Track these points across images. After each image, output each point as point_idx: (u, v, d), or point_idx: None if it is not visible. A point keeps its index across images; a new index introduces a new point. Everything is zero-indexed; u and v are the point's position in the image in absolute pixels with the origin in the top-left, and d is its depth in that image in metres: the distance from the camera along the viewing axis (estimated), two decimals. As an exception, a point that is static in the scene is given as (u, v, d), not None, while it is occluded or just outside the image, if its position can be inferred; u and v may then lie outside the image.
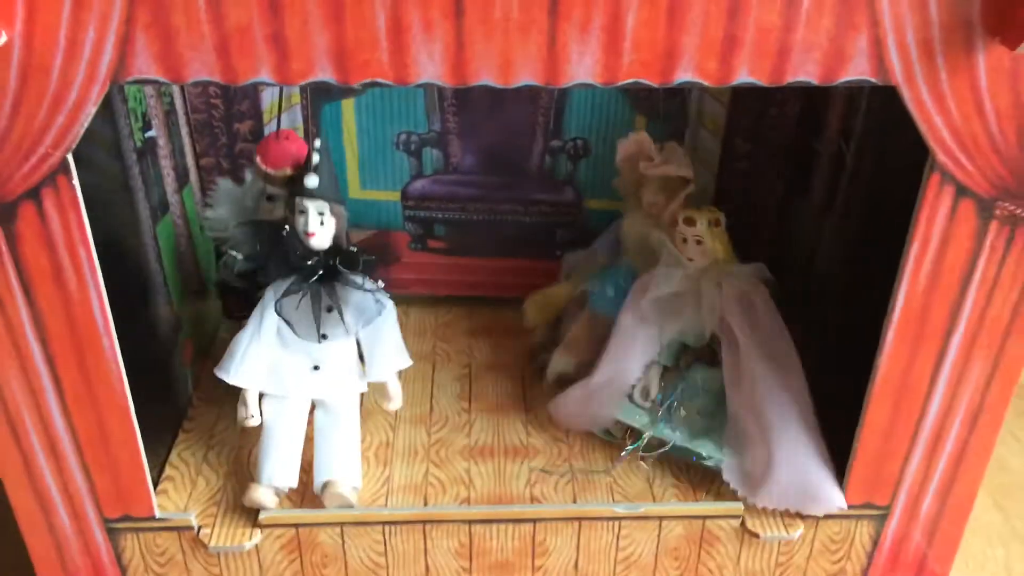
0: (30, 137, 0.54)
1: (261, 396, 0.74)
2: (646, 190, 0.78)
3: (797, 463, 0.71)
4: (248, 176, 0.83)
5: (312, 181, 0.67)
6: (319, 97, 0.88)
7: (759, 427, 0.72)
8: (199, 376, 0.86)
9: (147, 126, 0.76)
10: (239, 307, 0.77)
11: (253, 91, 0.87)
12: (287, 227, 0.70)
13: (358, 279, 0.71)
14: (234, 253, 0.78)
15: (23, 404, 0.64)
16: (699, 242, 0.73)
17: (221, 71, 0.53)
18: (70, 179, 0.56)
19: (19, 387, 0.63)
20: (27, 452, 0.66)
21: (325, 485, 0.71)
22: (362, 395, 0.77)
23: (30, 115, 0.54)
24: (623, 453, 0.77)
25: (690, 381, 0.76)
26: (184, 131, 0.86)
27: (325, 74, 0.54)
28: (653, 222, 0.78)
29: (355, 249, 0.71)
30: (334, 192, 0.69)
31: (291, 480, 0.73)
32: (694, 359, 0.77)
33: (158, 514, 0.70)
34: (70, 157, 0.55)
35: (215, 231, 0.81)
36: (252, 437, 0.79)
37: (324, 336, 0.71)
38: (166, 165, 0.80)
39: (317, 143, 0.68)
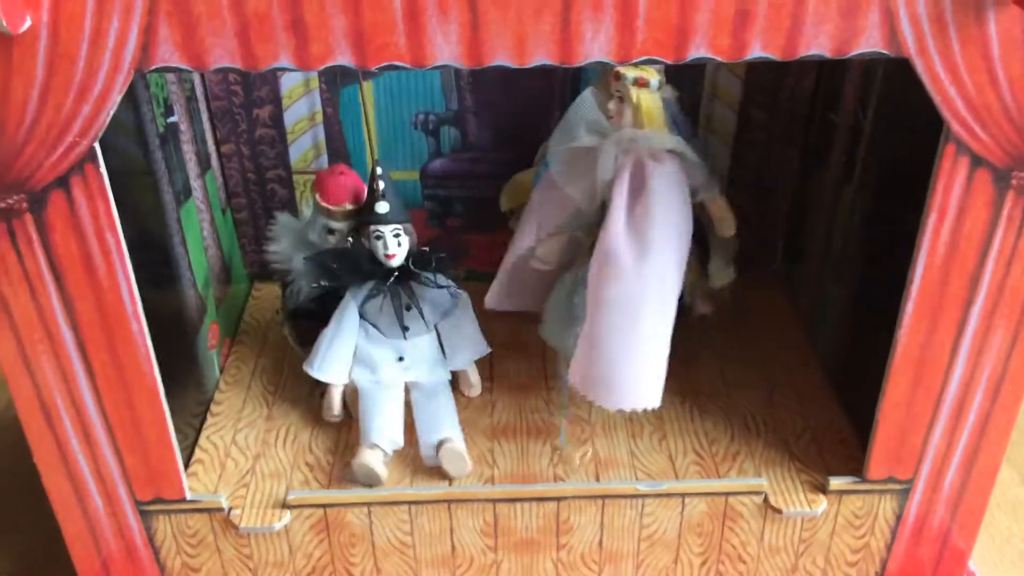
0: (57, 126, 0.56)
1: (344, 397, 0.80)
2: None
3: (607, 350, 0.65)
4: (306, 210, 0.85)
5: (383, 207, 0.74)
6: (340, 80, 0.89)
7: (590, 310, 0.67)
8: (225, 359, 0.87)
9: (169, 111, 0.77)
10: (312, 332, 0.81)
11: (272, 77, 0.88)
12: (350, 239, 0.77)
13: (432, 276, 0.76)
14: (302, 284, 0.81)
15: (56, 390, 0.66)
16: (621, 99, 0.68)
17: (242, 57, 0.54)
18: (97, 167, 0.57)
19: (52, 373, 0.65)
20: (60, 437, 0.68)
21: (440, 444, 0.74)
22: None
23: (57, 104, 0.55)
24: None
25: (585, 272, 0.69)
26: (205, 117, 0.88)
27: (344, 58, 0.55)
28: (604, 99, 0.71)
29: (427, 249, 0.77)
30: (404, 213, 0.75)
31: (398, 438, 0.76)
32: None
33: (189, 496, 0.71)
34: (97, 145, 0.57)
35: (279, 263, 0.84)
36: (280, 419, 0.81)
37: (406, 329, 0.77)
38: (188, 150, 0.82)
39: (379, 170, 0.74)
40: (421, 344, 0.79)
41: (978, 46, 0.54)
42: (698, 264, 0.76)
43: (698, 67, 0.89)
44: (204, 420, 0.81)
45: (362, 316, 0.77)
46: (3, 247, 0.60)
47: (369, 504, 0.73)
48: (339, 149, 0.93)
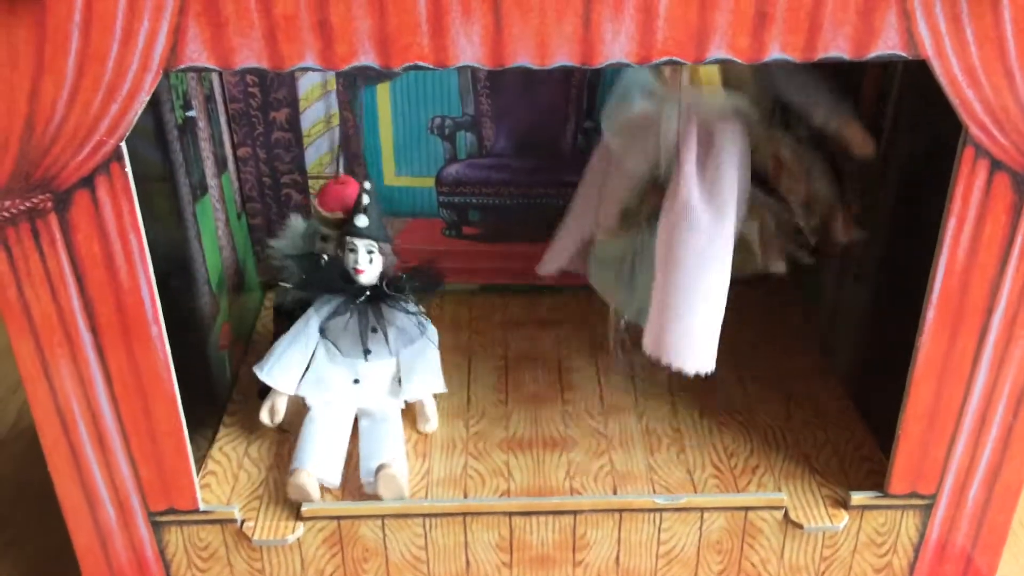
0: (85, 126, 0.57)
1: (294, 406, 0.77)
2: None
3: (685, 309, 0.66)
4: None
5: (362, 221, 0.73)
6: (357, 83, 0.90)
7: (662, 272, 0.67)
8: (238, 373, 0.87)
9: (187, 105, 0.78)
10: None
11: (290, 79, 0.89)
12: (325, 256, 0.76)
13: (403, 302, 0.75)
14: (283, 284, 0.81)
15: (72, 395, 0.65)
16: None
17: (268, 58, 0.55)
18: (123, 166, 0.58)
19: (69, 377, 0.65)
20: (75, 444, 0.67)
21: (379, 468, 0.72)
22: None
23: (86, 103, 0.56)
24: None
25: (646, 237, 0.69)
26: (223, 120, 0.89)
27: (368, 58, 0.55)
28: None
29: (402, 276, 0.76)
30: (382, 232, 0.74)
31: (333, 474, 0.74)
32: (658, 203, 0.68)
33: (202, 507, 0.70)
34: (123, 145, 0.57)
35: (275, 260, 0.84)
36: (293, 431, 0.80)
37: (368, 352, 0.76)
38: (205, 148, 0.83)
39: (367, 185, 0.73)
40: (379, 370, 0.78)
41: (995, 47, 0.55)
42: (775, 218, 0.73)
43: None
44: (217, 431, 0.80)
45: (323, 333, 0.76)
46: (27, 247, 0.60)
47: (383, 516, 0.72)
48: (356, 152, 0.93)
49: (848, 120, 0.71)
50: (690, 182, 0.65)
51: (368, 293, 0.75)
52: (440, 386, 0.79)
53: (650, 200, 0.70)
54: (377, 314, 0.76)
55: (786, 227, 0.73)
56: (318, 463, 0.73)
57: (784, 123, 0.71)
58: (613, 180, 0.73)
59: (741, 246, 0.68)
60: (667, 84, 0.69)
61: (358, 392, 0.78)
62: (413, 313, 0.76)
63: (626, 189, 0.73)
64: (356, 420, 0.78)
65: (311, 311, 0.77)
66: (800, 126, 0.71)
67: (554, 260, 0.80)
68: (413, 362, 0.78)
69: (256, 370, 0.76)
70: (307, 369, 0.77)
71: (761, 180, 0.69)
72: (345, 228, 0.75)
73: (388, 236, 0.75)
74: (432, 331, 0.79)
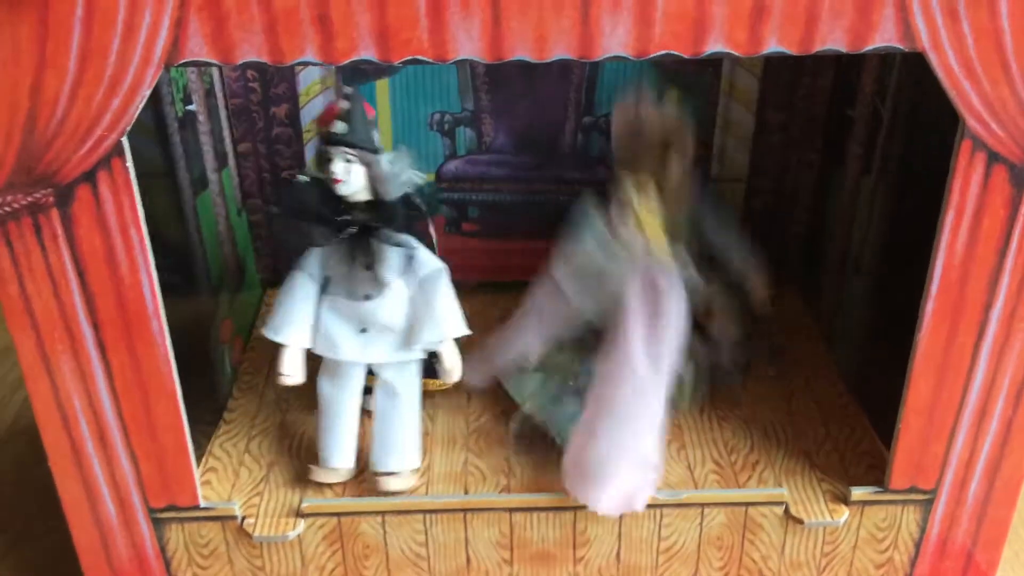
0: (87, 120, 0.57)
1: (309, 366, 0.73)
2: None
3: (606, 445, 0.70)
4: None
5: (340, 126, 0.66)
6: (355, 77, 0.90)
7: (593, 408, 0.72)
8: (238, 362, 0.87)
9: (187, 98, 0.78)
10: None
11: (290, 73, 0.89)
12: (302, 177, 0.69)
13: (397, 235, 0.69)
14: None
15: (74, 391, 0.65)
16: (623, 206, 0.71)
17: (269, 52, 0.55)
18: (124, 161, 0.58)
19: (71, 373, 0.65)
20: (76, 440, 0.67)
21: (385, 476, 0.72)
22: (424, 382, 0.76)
23: (88, 98, 0.56)
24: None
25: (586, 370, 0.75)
26: (223, 115, 0.89)
27: (368, 52, 0.56)
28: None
29: (393, 202, 0.68)
30: (364, 138, 0.67)
31: (348, 463, 0.74)
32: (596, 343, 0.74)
33: (203, 503, 0.71)
34: (124, 139, 0.58)
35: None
36: (294, 427, 0.80)
37: (368, 297, 0.70)
38: (206, 142, 0.83)
39: (348, 90, 0.67)
40: (386, 314, 0.70)
41: (992, 40, 0.55)
42: (706, 359, 0.80)
43: (715, 67, 0.90)
44: (217, 428, 0.80)
45: (307, 271, 0.70)
46: (29, 243, 0.60)
47: (384, 513, 0.72)
48: None
49: (757, 269, 0.78)
50: (634, 340, 0.70)
51: (356, 226, 0.68)
52: (457, 329, 0.71)
53: (590, 340, 0.75)
54: (367, 249, 0.68)
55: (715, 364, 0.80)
56: (333, 456, 0.74)
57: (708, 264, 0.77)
58: (554, 311, 0.77)
59: (675, 385, 0.74)
60: (617, 236, 0.73)
61: (367, 345, 0.71)
62: (405, 245, 0.69)
63: (566, 324, 0.77)
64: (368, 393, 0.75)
65: (304, 258, 0.71)
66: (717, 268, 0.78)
67: (482, 372, 0.81)
68: (421, 306, 0.70)
69: (264, 331, 0.72)
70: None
71: (694, 323, 0.75)
72: (323, 138, 0.68)
73: (373, 145, 0.67)
74: (439, 268, 0.71)
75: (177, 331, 0.65)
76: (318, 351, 0.72)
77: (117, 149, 0.58)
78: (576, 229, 0.75)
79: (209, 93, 0.85)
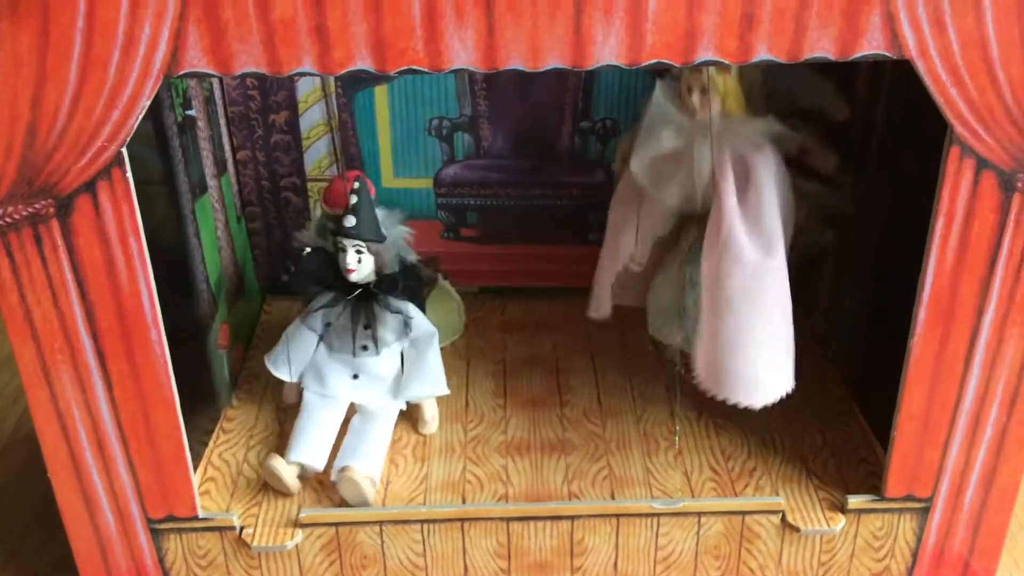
0: (87, 132, 0.58)
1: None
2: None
3: (726, 352, 0.67)
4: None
5: (349, 221, 0.73)
6: (353, 84, 0.91)
7: (710, 307, 0.68)
8: (237, 369, 0.88)
9: (187, 103, 0.79)
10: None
11: (289, 81, 0.91)
12: (308, 249, 0.77)
13: (396, 301, 0.76)
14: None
15: (73, 401, 0.66)
16: (704, 91, 0.67)
17: (267, 62, 0.56)
18: (124, 171, 0.59)
19: (70, 383, 0.65)
20: (75, 450, 0.68)
21: (342, 470, 0.73)
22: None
23: (88, 109, 0.57)
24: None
25: (691, 269, 0.71)
26: (223, 122, 0.90)
27: (364, 63, 0.57)
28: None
29: (394, 274, 0.76)
30: (372, 231, 0.74)
31: (318, 461, 0.75)
32: (699, 235, 0.70)
33: (201, 514, 0.71)
34: (124, 150, 0.59)
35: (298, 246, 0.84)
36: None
37: (364, 348, 0.76)
38: (205, 147, 0.83)
39: (356, 184, 0.73)
40: (379, 366, 0.78)
41: (978, 47, 0.56)
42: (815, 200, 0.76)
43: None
44: (215, 435, 0.81)
45: (309, 326, 0.78)
46: (29, 253, 0.61)
47: (381, 523, 0.72)
48: (353, 155, 0.94)
49: (832, 92, 0.75)
50: (732, 216, 0.66)
51: (360, 290, 0.76)
52: (441, 389, 0.79)
53: (689, 233, 0.73)
54: (369, 311, 0.76)
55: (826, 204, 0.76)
56: (301, 449, 0.75)
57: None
58: (645, 214, 0.74)
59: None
60: (693, 115, 0.69)
61: (357, 388, 0.78)
62: (403, 312, 0.76)
63: (660, 223, 0.74)
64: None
65: (311, 305, 0.78)
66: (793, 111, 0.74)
67: (601, 302, 0.80)
68: (413, 364, 0.78)
69: (265, 359, 0.81)
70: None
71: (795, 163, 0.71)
72: (336, 227, 0.75)
73: (380, 235, 0.74)
74: (431, 331, 0.78)
75: (175, 339, 0.66)
76: (311, 390, 0.79)
77: (117, 159, 0.59)
78: (649, 122, 0.72)
79: (208, 100, 0.86)
